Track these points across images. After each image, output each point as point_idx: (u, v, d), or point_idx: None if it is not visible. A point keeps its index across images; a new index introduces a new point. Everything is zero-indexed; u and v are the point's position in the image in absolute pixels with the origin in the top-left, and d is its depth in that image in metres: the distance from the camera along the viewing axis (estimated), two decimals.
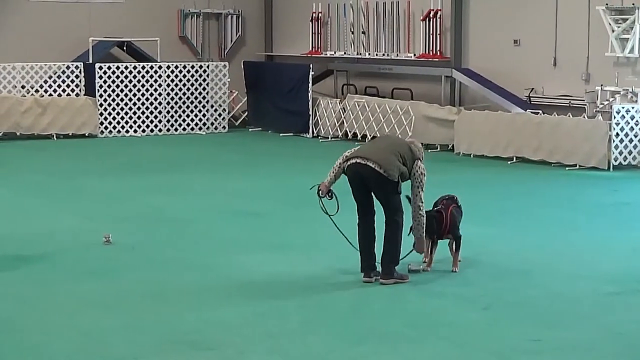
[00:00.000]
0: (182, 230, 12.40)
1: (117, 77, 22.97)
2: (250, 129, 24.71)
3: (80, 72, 23.17)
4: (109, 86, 22.91)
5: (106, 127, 22.96)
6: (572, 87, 20.59)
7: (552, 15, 21.09)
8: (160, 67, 23.55)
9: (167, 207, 14.05)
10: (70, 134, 22.55)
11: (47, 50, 24.10)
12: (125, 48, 24.74)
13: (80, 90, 23.17)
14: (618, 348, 7.82)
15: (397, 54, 24.03)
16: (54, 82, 22.93)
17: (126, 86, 23.10)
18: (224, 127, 24.30)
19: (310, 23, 25.95)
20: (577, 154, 18.24)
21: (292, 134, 23.55)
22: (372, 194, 9.67)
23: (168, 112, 23.64)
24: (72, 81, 23.12)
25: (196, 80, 23.92)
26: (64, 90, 22.99)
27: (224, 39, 27.13)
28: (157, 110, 23.51)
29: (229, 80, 24.33)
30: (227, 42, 27.15)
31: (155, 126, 23.51)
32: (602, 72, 19.88)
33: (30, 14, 24.71)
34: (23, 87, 22.77)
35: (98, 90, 22.79)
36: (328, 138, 22.60)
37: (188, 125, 23.88)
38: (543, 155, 18.67)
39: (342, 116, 22.58)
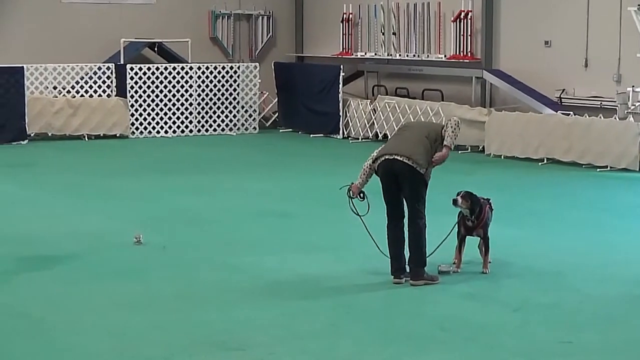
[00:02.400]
0: (211, 231, 12.42)
1: (148, 78, 23.06)
2: (280, 130, 24.73)
3: (111, 73, 23.25)
4: (140, 87, 23.00)
5: (137, 128, 23.06)
6: (603, 88, 20.40)
7: (584, 16, 20.94)
8: (191, 68, 23.63)
9: (197, 208, 14.07)
10: (101, 135, 22.66)
11: (79, 51, 24.20)
12: (156, 49, 24.82)
13: (111, 91, 23.24)
14: None
15: (428, 55, 23.94)
16: (86, 82, 23.00)
17: (157, 87, 23.19)
18: (254, 128, 24.34)
19: (341, 24, 25.90)
20: (609, 155, 18.13)
21: (322, 135, 23.56)
22: (402, 191, 9.65)
23: (199, 113, 23.69)
24: (104, 82, 23.19)
25: (227, 81, 23.98)
26: (95, 91, 23.06)
27: (254, 40, 27.14)
28: (188, 111, 23.58)
29: (259, 81, 24.37)
30: (258, 43, 27.15)
31: (186, 127, 23.57)
32: (634, 73, 19.72)
33: (62, 15, 24.82)
34: (55, 87, 22.86)
35: (129, 91, 22.88)
36: (358, 139, 22.59)
37: (219, 126, 23.93)
38: (574, 157, 18.58)
39: (373, 117, 22.55)
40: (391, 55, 24.85)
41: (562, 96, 21.16)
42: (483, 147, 20.17)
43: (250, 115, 24.33)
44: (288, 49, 27.67)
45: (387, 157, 9.62)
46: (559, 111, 19.92)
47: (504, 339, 8.06)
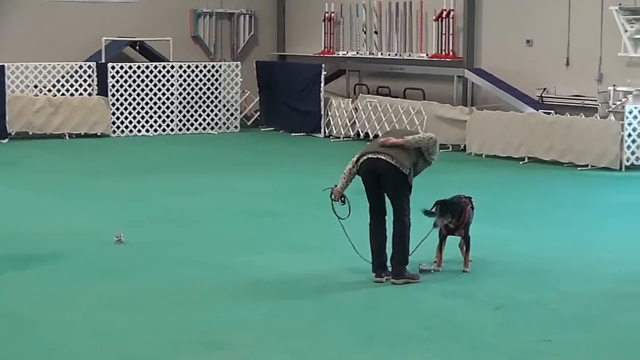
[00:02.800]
0: (196, 230, 12.41)
1: (130, 76, 23.03)
2: (262, 129, 24.73)
3: (92, 71, 23.18)
4: (122, 86, 22.97)
5: (118, 127, 23.04)
6: (584, 87, 20.55)
7: (565, 15, 21.05)
8: (172, 67, 23.59)
9: (179, 207, 14.07)
10: (82, 134, 22.60)
11: (60, 50, 24.13)
12: (137, 48, 24.79)
13: (92, 90, 23.19)
14: (630, 350, 7.77)
15: (410, 54, 24.02)
16: (67, 81, 22.97)
17: (138, 86, 23.16)
18: (235, 127, 24.36)
19: (323, 23, 25.96)
20: (589, 154, 18.22)
21: (304, 133, 23.60)
22: (384, 190, 9.68)
23: (180, 111, 23.70)
24: (85, 81, 23.14)
25: (208, 80, 23.97)
26: (76, 90, 23.02)
27: (236, 38, 27.16)
28: (169, 110, 23.58)
29: (241, 80, 24.36)
30: (240, 42, 27.18)
31: (167, 126, 23.58)
32: (615, 72, 19.84)
33: (44, 13, 24.77)
34: (36, 86, 22.80)
35: (110, 90, 22.84)
36: (340, 138, 22.60)
37: (200, 125, 23.94)
38: (555, 156, 18.66)
39: (354, 116, 22.58)
40: (373, 54, 24.86)
41: (543, 95, 21.26)
42: (464, 146, 20.21)
43: (232, 114, 24.34)
44: (270, 47, 27.70)
45: (370, 155, 9.63)
46: (540, 110, 19.97)
47: (485, 337, 8.08)
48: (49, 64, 22.87)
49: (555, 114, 19.48)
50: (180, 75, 23.61)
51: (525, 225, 12.86)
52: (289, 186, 16.11)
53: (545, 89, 21.28)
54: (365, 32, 25.10)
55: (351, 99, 23.22)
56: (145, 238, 11.78)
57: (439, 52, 23.25)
